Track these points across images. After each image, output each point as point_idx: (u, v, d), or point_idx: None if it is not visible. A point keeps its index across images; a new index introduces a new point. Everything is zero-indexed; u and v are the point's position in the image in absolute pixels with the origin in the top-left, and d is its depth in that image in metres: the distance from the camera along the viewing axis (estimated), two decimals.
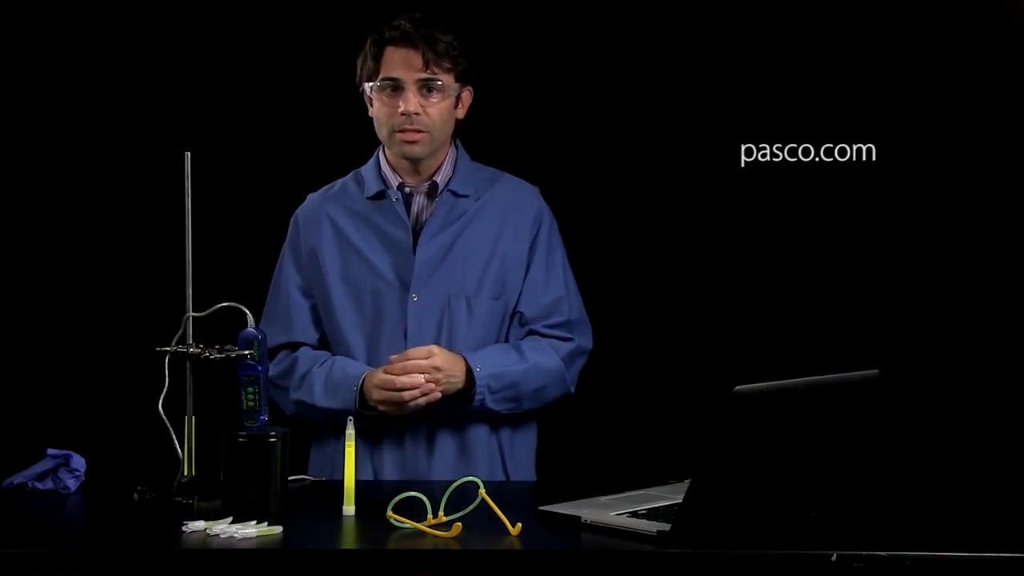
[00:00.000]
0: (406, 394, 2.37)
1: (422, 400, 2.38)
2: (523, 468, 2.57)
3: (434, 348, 2.41)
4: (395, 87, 2.47)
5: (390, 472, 2.48)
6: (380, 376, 2.40)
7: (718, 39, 3.22)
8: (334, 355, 2.54)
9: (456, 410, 2.47)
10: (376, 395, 2.40)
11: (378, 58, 2.48)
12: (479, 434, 2.50)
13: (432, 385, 2.38)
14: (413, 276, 2.49)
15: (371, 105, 2.53)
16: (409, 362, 2.38)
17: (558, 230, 2.62)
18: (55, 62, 3.22)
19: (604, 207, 3.25)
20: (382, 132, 2.52)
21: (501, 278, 2.53)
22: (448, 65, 2.48)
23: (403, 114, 2.45)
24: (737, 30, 3.21)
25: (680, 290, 3.26)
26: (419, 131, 2.47)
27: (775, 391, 1.79)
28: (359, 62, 2.53)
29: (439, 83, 2.47)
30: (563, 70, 3.24)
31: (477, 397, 2.43)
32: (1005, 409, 3.09)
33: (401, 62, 2.46)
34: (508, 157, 2.72)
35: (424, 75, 2.46)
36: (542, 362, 2.49)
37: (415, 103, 2.46)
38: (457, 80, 2.50)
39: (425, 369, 2.38)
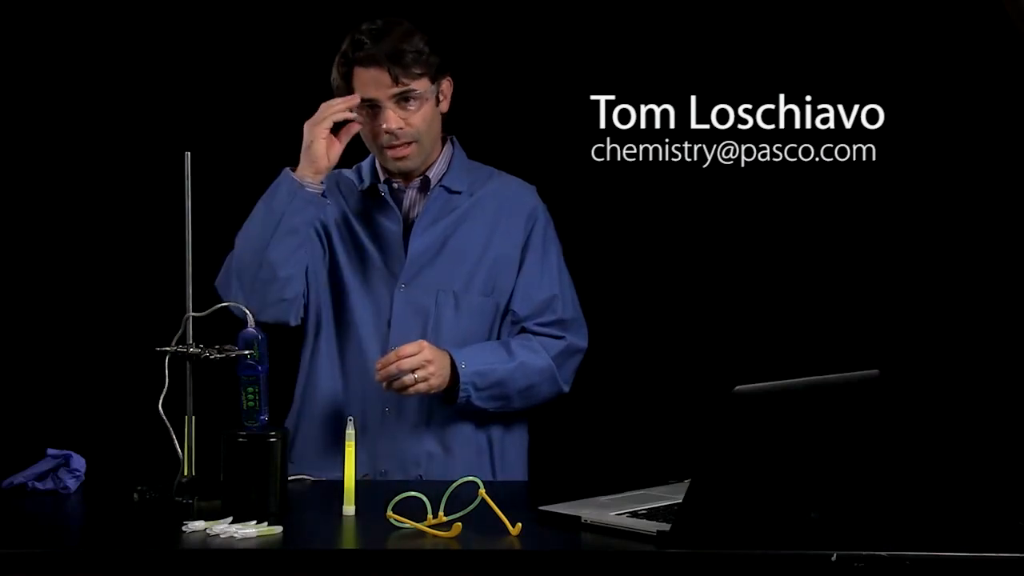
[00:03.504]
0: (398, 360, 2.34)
1: (422, 387, 2.36)
2: (514, 468, 2.56)
3: (423, 343, 2.38)
4: (372, 106, 2.45)
5: (368, 469, 2.46)
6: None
7: (716, 36, 3.22)
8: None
9: (442, 407, 2.46)
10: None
11: (348, 79, 2.46)
12: (464, 431, 2.50)
13: (419, 375, 2.36)
14: (403, 268, 2.50)
15: None
16: (403, 361, 2.34)
17: (554, 228, 2.61)
18: (55, 62, 3.22)
19: (602, 206, 3.25)
20: (371, 148, 2.53)
21: (492, 276, 2.53)
22: (419, 71, 2.44)
23: (387, 132, 2.45)
24: (737, 27, 3.21)
25: (680, 290, 3.25)
26: (406, 144, 2.47)
27: (775, 391, 1.79)
28: (332, 81, 2.50)
29: (415, 92, 2.44)
30: (559, 68, 3.23)
31: (462, 394, 2.42)
32: (1005, 409, 3.09)
33: (371, 82, 2.43)
34: (505, 156, 2.72)
35: (396, 90, 2.43)
36: (531, 360, 2.48)
37: (396, 119, 2.44)
38: (432, 80, 2.47)
39: (417, 364, 2.35)
